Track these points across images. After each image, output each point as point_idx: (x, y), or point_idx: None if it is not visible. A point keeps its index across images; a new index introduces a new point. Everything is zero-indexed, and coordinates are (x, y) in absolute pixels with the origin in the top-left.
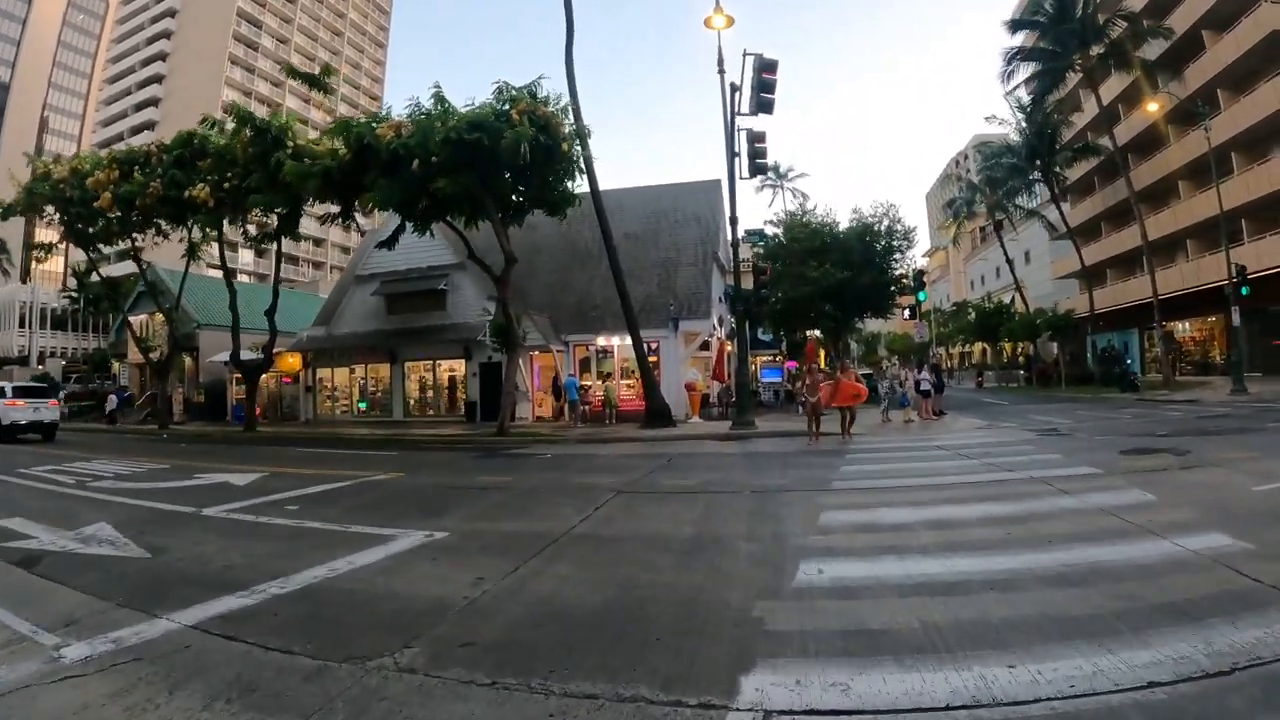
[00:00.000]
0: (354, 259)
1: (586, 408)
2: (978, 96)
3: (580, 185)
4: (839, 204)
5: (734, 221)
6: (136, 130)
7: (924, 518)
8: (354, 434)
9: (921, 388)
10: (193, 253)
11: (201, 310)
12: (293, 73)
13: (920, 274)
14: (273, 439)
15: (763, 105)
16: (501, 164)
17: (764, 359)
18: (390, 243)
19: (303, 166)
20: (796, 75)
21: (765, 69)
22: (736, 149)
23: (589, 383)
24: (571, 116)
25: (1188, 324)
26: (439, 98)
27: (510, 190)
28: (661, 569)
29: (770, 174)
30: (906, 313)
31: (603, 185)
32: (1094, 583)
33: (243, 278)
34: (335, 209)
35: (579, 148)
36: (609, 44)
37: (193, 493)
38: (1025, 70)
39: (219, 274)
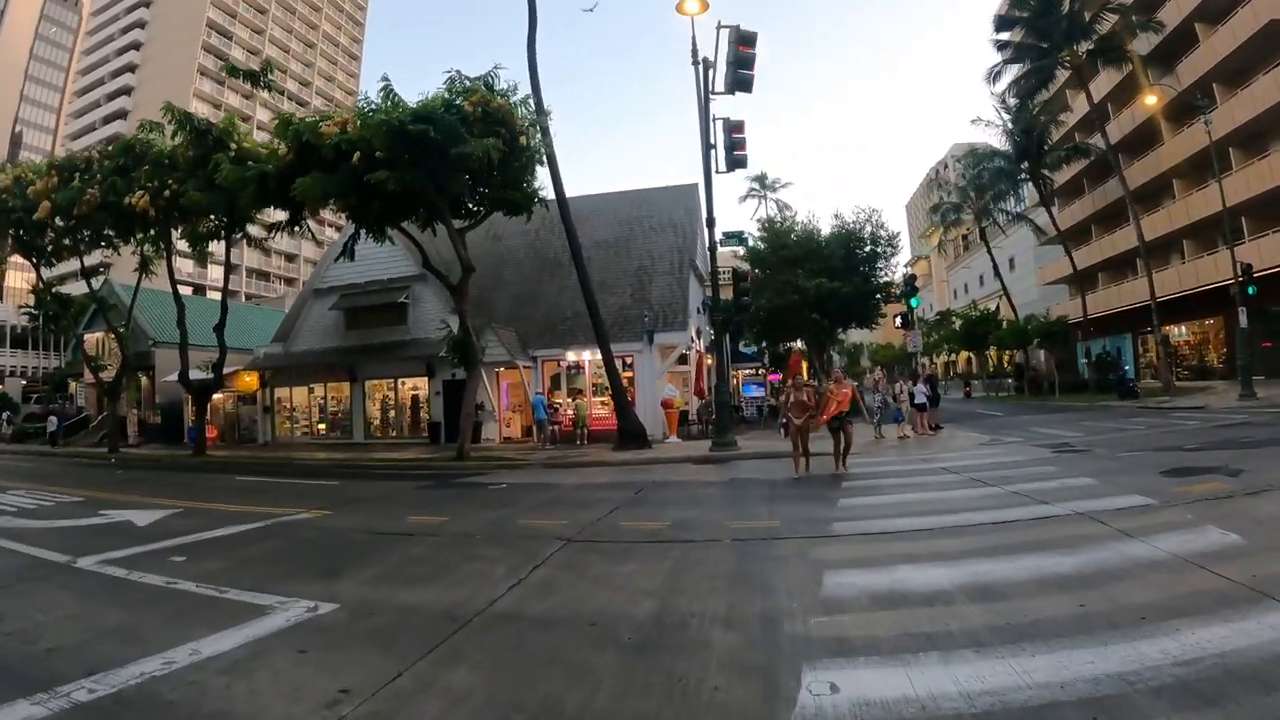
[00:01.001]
0: (315, 272)
1: (556, 428)
2: (956, 106)
3: (545, 190)
4: (821, 213)
5: (711, 224)
6: (105, 143)
7: (961, 580)
8: (306, 459)
9: (916, 400)
10: (145, 266)
11: (158, 327)
12: (232, 70)
13: (912, 278)
14: (218, 465)
15: (740, 83)
16: (453, 161)
17: (746, 372)
18: (347, 252)
19: (239, 170)
20: (778, 86)
21: (743, 42)
22: (712, 140)
23: (560, 400)
24: (532, 107)
25: (1183, 327)
26: (387, 90)
27: (465, 190)
28: (600, 681)
29: (755, 183)
30: (899, 320)
31: (574, 193)
32: (1236, 695)
33: (213, 294)
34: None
35: (539, 138)
36: (582, 47)
37: (83, 535)
38: (1011, 72)
39: (182, 289)
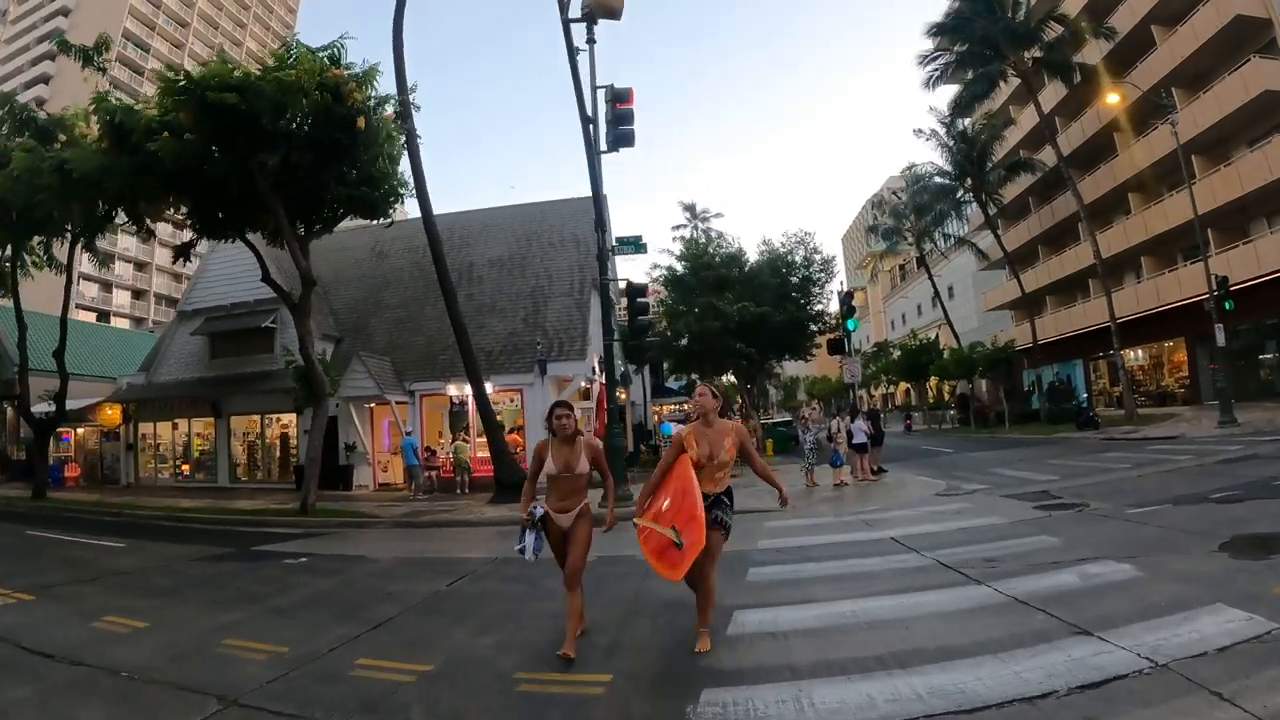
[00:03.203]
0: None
1: (433, 474)
2: (892, 138)
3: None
4: (749, 240)
5: (601, 227)
6: None
7: None
8: (143, 507)
9: (855, 440)
10: (3, 281)
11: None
12: (63, 45)
13: (849, 296)
14: (44, 513)
15: (605, 8)
16: (281, 143)
17: (670, 407)
18: (183, 251)
19: (31, 158)
20: (713, 127)
21: None
22: (591, 113)
23: (441, 442)
24: (395, 89)
25: (1139, 351)
26: (221, 60)
27: (299, 180)
28: None
29: (686, 212)
30: (831, 346)
31: (469, 207)
32: None
33: (118, 321)
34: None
35: (381, 121)
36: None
37: None
38: (952, 85)
39: (84, 315)
